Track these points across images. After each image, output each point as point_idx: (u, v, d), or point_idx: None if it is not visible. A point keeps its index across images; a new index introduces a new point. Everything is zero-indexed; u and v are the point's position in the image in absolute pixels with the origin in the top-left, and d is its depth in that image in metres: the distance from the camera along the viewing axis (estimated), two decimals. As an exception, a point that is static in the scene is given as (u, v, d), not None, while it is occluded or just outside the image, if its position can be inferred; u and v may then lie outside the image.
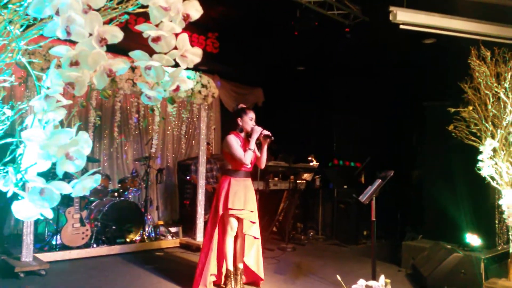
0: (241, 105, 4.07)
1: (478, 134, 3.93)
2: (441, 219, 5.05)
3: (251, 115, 3.93)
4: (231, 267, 3.84)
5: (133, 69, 4.67)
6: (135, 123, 7.04)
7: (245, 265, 3.92)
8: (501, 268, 4.04)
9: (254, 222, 3.86)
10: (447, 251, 4.06)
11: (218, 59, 7.22)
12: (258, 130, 3.82)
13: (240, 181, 3.85)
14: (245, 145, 3.86)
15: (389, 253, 5.32)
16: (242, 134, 3.95)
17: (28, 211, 1.00)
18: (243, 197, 3.78)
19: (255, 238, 3.90)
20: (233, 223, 3.79)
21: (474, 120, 3.91)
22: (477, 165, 3.85)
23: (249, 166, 3.90)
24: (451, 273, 3.86)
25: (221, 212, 3.78)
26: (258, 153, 3.95)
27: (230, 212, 3.73)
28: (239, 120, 3.93)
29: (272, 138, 3.84)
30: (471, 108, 3.95)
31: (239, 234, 3.88)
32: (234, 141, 3.84)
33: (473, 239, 4.44)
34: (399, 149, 6.65)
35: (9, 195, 1.02)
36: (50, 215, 1.01)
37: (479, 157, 3.83)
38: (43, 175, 1.03)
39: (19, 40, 0.98)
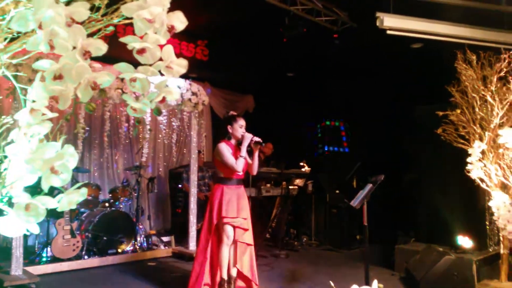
0: (232, 113, 4.07)
1: (467, 137, 3.98)
2: (433, 221, 5.08)
3: (241, 122, 3.93)
4: (225, 276, 3.81)
5: (122, 78, 4.65)
6: (125, 132, 7.00)
7: (239, 272, 3.90)
8: (492, 269, 4.07)
9: (247, 230, 3.85)
10: (439, 254, 4.08)
11: (208, 66, 7.22)
12: (248, 136, 3.82)
13: (233, 189, 3.84)
14: (236, 152, 3.86)
15: (382, 257, 5.32)
16: (233, 142, 3.95)
17: (14, 227, 0.98)
18: (236, 205, 3.77)
19: (248, 245, 3.89)
20: (229, 231, 3.77)
21: (462, 123, 3.96)
22: (466, 167, 3.90)
23: (241, 173, 3.89)
24: (443, 275, 3.88)
25: (215, 221, 3.77)
26: (249, 160, 3.95)
27: (224, 220, 3.72)
28: (229, 127, 3.93)
29: (263, 144, 3.85)
30: (459, 111, 4.00)
31: (232, 241, 3.86)
32: (225, 149, 3.84)
33: (464, 241, 4.47)
34: (390, 153, 6.69)
35: (-6, 210, 1.00)
36: (36, 230, 1.00)
37: (468, 159, 3.87)
38: (31, 188, 1.02)
39: (1, 54, 0.97)
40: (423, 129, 5.24)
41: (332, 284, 2.56)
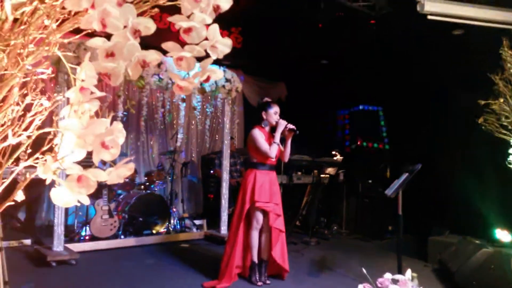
0: (266, 99, 4.09)
1: (509, 127, 3.81)
2: (469, 214, 4.94)
3: (276, 108, 3.94)
4: (255, 259, 3.88)
5: (159, 64, 4.74)
6: (160, 118, 7.15)
7: (272, 258, 3.93)
8: (532, 264, 3.92)
9: (280, 215, 3.88)
10: (476, 247, 3.97)
11: (242, 53, 7.23)
12: (283, 123, 3.83)
13: (265, 174, 3.88)
14: (270, 139, 3.89)
15: (414, 248, 5.24)
16: (267, 128, 3.98)
17: (65, 197, 1.04)
18: (268, 190, 3.81)
19: (280, 231, 3.92)
20: (258, 216, 3.83)
21: (505, 113, 3.80)
22: (508, 158, 3.75)
23: (274, 159, 3.92)
24: (480, 269, 3.78)
25: (247, 205, 3.82)
26: (281, 147, 3.97)
27: (257, 204, 3.77)
28: (263, 113, 3.95)
29: (297, 131, 3.84)
30: (502, 100, 3.83)
31: (265, 227, 3.90)
32: (259, 134, 3.87)
33: (503, 235, 4.32)
34: (427, 142, 6.51)
35: (47, 182, 1.07)
36: (87, 201, 1.05)
37: (510, 150, 3.72)
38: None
39: (56, 34, 1.02)
40: (462, 118, 5.07)
41: (364, 271, 2.56)
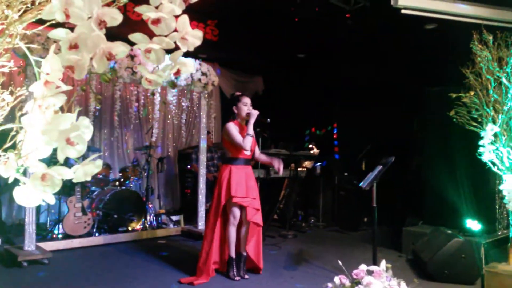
0: (236, 93, 4.11)
1: (479, 120, 3.91)
2: (441, 204, 5.07)
3: (245, 100, 3.94)
4: (233, 254, 3.87)
5: (132, 57, 4.64)
6: (135, 112, 7.03)
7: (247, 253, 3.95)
8: (501, 252, 4.06)
9: (258, 209, 3.87)
10: (448, 236, 4.08)
11: (218, 47, 7.16)
12: (254, 114, 3.84)
13: (241, 168, 3.86)
14: (244, 131, 3.88)
15: (389, 239, 5.35)
16: (240, 121, 3.97)
17: (30, 196, 1.00)
18: (245, 185, 3.80)
19: (257, 226, 3.92)
20: (235, 211, 3.81)
21: (476, 106, 3.89)
22: (478, 150, 3.85)
23: (249, 153, 3.90)
24: (451, 258, 3.89)
25: (224, 200, 3.80)
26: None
27: (234, 199, 3.75)
28: (234, 108, 3.97)
29: (268, 120, 3.86)
30: (472, 93, 3.93)
31: (244, 222, 3.88)
32: (233, 128, 3.86)
33: (473, 225, 4.46)
34: (399, 135, 6.63)
35: (10, 181, 1.01)
36: (52, 201, 1.01)
37: (480, 142, 3.82)
38: (46, 161, 1.03)
39: (17, 24, 0.96)
40: (434, 111, 5.18)
41: (340, 263, 2.58)
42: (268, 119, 3.93)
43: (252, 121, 3.81)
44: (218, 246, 3.90)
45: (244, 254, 3.93)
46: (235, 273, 3.83)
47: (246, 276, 3.87)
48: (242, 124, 3.96)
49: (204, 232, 4.05)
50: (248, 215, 3.81)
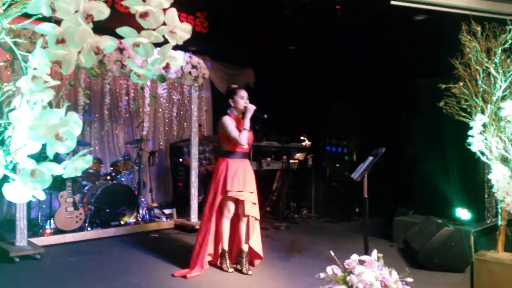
0: (232, 86, 4.04)
1: (469, 110, 3.95)
2: (432, 194, 5.13)
3: (242, 93, 3.89)
4: (226, 247, 3.88)
5: (121, 50, 4.59)
6: (125, 106, 6.97)
7: (249, 247, 3.88)
8: (490, 240, 4.13)
9: (255, 203, 3.85)
10: (438, 225, 4.14)
11: (208, 39, 7.11)
12: (251, 108, 3.79)
13: (238, 162, 3.82)
14: (240, 125, 3.82)
15: (381, 229, 5.41)
16: (236, 115, 3.92)
17: (19, 193, 0.99)
18: (242, 178, 3.76)
19: (256, 219, 3.90)
20: (230, 206, 3.79)
21: (465, 96, 3.92)
22: (467, 140, 3.89)
23: (246, 146, 3.87)
24: (441, 246, 3.95)
25: (219, 195, 3.77)
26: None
27: (229, 194, 3.72)
28: (230, 101, 3.90)
29: (265, 116, 3.82)
30: (461, 84, 3.96)
31: (242, 216, 3.85)
32: (229, 121, 3.81)
33: (463, 213, 4.53)
34: (391, 127, 6.68)
35: (-1, 177, 1.01)
36: (42, 197, 1.00)
37: (469, 132, 3.86)
38: (33, 158, 1.02)
39: (1, 18, 0.95)
40: (424, 102, 5.22)
41: (332, 253, 2.61)
42: (265, 115, 3.84)
43: (248, 115, 3.76)
44: (212, 240, 3.88)
45: (246, 249, 3.86)
46: (228, 265, 3.85)
47: (250, 273, 3.77)
48: (239, 117, 3.89)
49: (198, 225, 4.04)
50: (246, 209, 3.78)
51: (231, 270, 3.83)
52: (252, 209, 3.83)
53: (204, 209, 3.93)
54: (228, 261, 3.87)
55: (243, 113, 3.84)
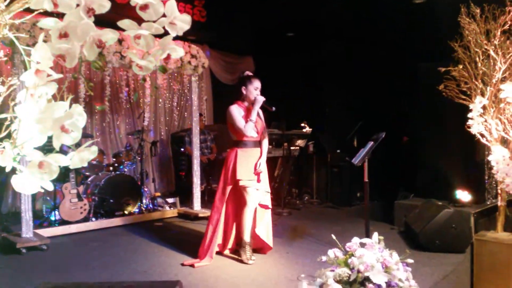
0: (247, 73, 3.93)
1: (468, 93, 3.95)
2: (433, 177, 5.16)
3: (257, 84, 3.80)
4: (247, 239, 3.78)
5: (120, 41, 4.59)
6: (125, 97, 6.98)
7: (255, 234, 3.88)
8: (490, 221, 4.19)
9: (268, 192, 3.84)
10: (438, 208, 4.18)
11: (206, 28, 7.09)
12: (260, 100, 3.72)
13: (248, 151, 3.78)
14: (248, 115, 3.76)
15: (382, 213, 5.46)
16: (246, 104, 3.85)
17: (28, 184, 1.02)
18: (252, 167, 3.74)
19: (267, 208, 3.89)
20: (251, 193, 3.72)
21: (464, 79, 3.92)
22: (467, 123, 3.91)
23: (256, 135, 3.82)
24: (442, 228, 4.00)
25: (229, 184, 3.75)
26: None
27: (240, 183, 3.69)
28: (243, 89, 3.81)
29: (273, 108, 3.76)
30: (461, 66, 3.95)
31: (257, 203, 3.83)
32: (236, 111, 3.76)
33: (463, 195, 4.57)
34: (391, 111, 6.69)
35: (7, 170, 1.04)
36: (50, 187, 1.03)
37: (469, 115, 3.88)
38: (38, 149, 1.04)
39: (4, 14, 0.96)
40: (425, 86, 5.22)
41: (334, 237, 2.65)
42: (274, 107, 3.76)
43: (256, 107, 3.70)
44: (222, 230, 3.86)
45: (247, 240, 3.79)
46: (248, 256, 3.73)
47: (250, 262, 3.72)
48: (249, 107, 3.81)
49: (209, 215, 3.98)
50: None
51: (251, 261, 3.71)
52: (263, 198, 3.82)
53: (214, 200, 3.89)
54: (248, 253, 3.75)
55: (252, 102, 3.78)
